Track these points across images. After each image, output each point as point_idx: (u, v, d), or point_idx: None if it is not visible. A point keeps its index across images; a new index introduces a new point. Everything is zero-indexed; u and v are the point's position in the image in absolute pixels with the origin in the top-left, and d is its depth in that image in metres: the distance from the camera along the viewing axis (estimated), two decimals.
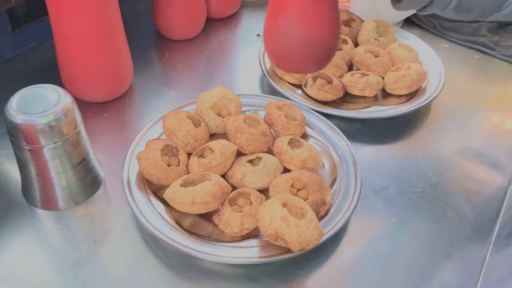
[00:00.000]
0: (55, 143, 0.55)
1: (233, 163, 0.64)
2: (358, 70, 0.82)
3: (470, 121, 0.79)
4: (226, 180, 0.62)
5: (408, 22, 0.99)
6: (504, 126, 0.78)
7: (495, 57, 0.91)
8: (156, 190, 0.62)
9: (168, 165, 0.62)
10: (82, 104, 0.75)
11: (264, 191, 0.62)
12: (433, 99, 0.77)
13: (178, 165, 0.62)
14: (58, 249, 0.57)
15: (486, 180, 0.69)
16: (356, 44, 0.88)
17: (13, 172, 0.64)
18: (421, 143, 0.74)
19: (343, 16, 0.91)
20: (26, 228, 0.59)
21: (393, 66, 0.81)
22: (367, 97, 0.78)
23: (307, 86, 0.77)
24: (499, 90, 0.86)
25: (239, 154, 0.66)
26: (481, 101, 0.83)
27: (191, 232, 0.58)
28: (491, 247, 0.60)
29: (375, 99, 0.79)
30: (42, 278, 0.54)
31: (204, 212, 0.58)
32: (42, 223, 0.60)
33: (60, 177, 0.58)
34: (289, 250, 0.54)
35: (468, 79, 0.88)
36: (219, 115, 0.69)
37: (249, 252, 0.55)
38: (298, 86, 0.80)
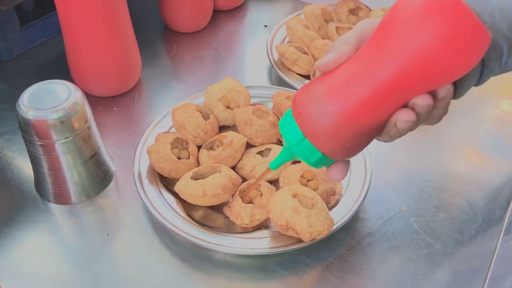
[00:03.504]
0: (67, 138, 0.56)
1: (243, 155, 0.64)
2: None
3: (480, 108, 0.78)
4: (236, 172, 0.62)
5: None
6: None
7: None
8: (167, 183, 0.62)
9: (179, 158, 0.62)
10: (92, 99, 0.75)
11: (274, 182, 0.62)
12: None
13: (188, 158, 0.63)
14: (71, 243, 0.58)
15: (497, 168, 0.69)
16: None
17: (26, 167, 0.65)
18: (431, 131, 0.74)
19: (350, 5, 0.90)
20: (39, 223, 0.60)
21: None
22: None
23: (315, 76, 0.77)
24: (510, 77, 0.85)
25: (249, 146, 0.66)
26: (491, 88, 0.81)
27: (202, 224, 0.58)
28: (502, 235, 0.60)
29: None
30: (57, 271, 0.55)
31: (215, 204, 0.59)
32: (56, 217, 0.60)
33: (72, 171, 0.59)
34: (300, 240, 0.55)
35: None
36: (228, 107, 0.69)
37: (260, 243, 0.56)
38: (307, 77, 0.80)
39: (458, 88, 0.44)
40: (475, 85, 0.46)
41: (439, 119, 0.44)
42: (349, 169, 0.63)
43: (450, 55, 0.37)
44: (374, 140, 0.44)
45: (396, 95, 0.40)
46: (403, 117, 0.40)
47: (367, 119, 0.41)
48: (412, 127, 0.42)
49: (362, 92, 0.40)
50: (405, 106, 0.41)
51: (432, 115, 0.43)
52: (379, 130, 0.43)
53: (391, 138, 0.44)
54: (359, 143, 0.43)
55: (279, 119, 0.68)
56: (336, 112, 0.41)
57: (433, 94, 0.40)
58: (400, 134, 0.43)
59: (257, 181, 0.56)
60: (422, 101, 0.40)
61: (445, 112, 0.44)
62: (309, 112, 0.42)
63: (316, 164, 0.45)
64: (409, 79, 0.39)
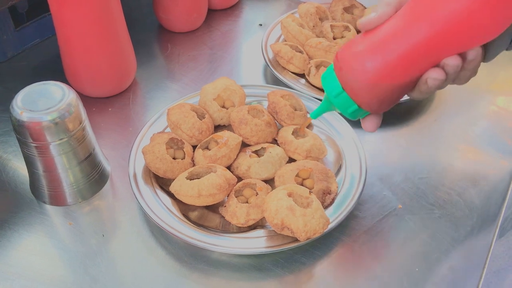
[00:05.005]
0: (61, 139, 0.55)
1: (238, 154, 0.64)
2: None
3: (475, 105, 0.78)
4: (232, 172, 0.62)
5: None
6: (510, 109, 0.78)
7: None
8: (162, 183, 0.62)
9: (174, 158, 0.62)
10: (87, 100, 0.76)
11: (269, 182, 0.62)
12: None
13: (184, 158, 0.63)
14: (67, 244, 0.58)
15: (492, 164, 0.69)
16: (359, 31, 0.88)
17: (21, 169, 0.65)
18: (426, 129, 0.74)
19: (345, 3, 0.90)
20: (35, 225, 0.60)
21: None
22: None
23: (310, 75, 0.77)
24: (505, 73, 0.85)
25: (244, 145, 0.66)
26: (486, 84, 0.82)
27: (198, 224, 0.58)
28: (497, 231, 0.60)
29: None
30: (53, 273, 0.55)
31: (210, 204, 0.59)
32: (51, 219, 0.60)
33: (67, 173, 0.59)
34: (295, 240, 0.55)
35: None
36: (223, 106, 0.69)
37: (256, 242, 0.56)
38: (302, 75, 0.80)
39: (488, 52, 0.48)
40: (506, 49, 0.50)
41: (467, 80, 0.48)
42: (345, 168, 0.64)
43: (482, 18, 0.41)
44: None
45: (429, 54, 0.44)
46: (433, 75, 0.45)
47: (402, 76, 0.45)
48: (441, 85, 0.46)
49: (399, 51, 0.44)
50: (437, 66, 0.45)
51: (460, 76, 0.47)
52: (411, 87, 0.47)
53: (421, 95, 0.48)
54: (392, 97, 0.47)
55: (274, 118, 0.68)
56: (373, 68, 0.45)
57: (463, 56, 0.45)
58: (430, 91, 0.47)
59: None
60: (451, 61, 0.44)
61: (473, 74, 0.48)
62: (349, 67, 0.46)
63: (353, 115, 0.49)
64: (443, 39, 0.43)
